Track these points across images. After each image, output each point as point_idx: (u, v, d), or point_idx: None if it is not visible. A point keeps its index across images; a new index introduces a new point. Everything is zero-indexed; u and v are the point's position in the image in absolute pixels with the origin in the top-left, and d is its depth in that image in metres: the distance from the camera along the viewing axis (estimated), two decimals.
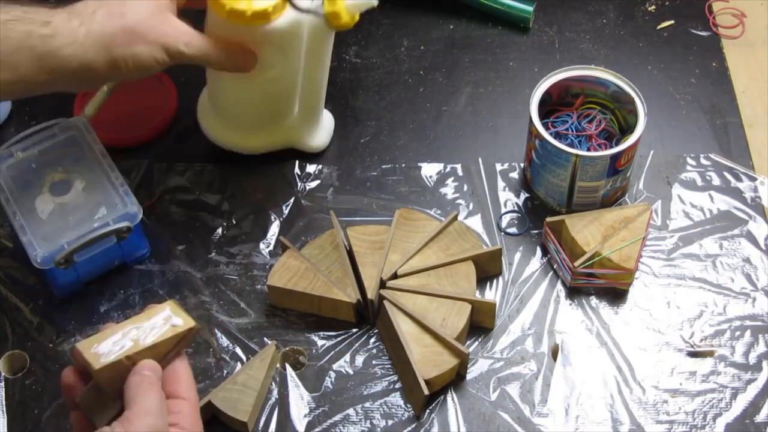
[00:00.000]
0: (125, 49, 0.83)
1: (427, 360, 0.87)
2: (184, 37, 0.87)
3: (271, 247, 0.99)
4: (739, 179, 1.01)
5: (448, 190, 1.03)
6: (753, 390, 0.88)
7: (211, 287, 0.96)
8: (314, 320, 0.94)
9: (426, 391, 0.85)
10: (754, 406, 0.87)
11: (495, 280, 0.96)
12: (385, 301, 0.90)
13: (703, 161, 1.03)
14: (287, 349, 0.92)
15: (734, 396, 0.88)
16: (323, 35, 0.95)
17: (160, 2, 0.86)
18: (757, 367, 0.89)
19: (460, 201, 1.01)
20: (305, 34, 0.94)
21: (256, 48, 0.93)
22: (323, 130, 1.06)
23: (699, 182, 1.02)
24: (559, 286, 0.95)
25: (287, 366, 0.91)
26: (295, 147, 1.05)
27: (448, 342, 0.87)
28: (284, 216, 1.01)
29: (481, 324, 0.92)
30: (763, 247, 0.96)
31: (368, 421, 0.87)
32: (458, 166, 1.04)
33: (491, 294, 0.95)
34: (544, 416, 0.87)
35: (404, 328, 0.88)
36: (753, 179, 1.01)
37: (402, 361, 0.88)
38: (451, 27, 1.18)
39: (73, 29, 0.82)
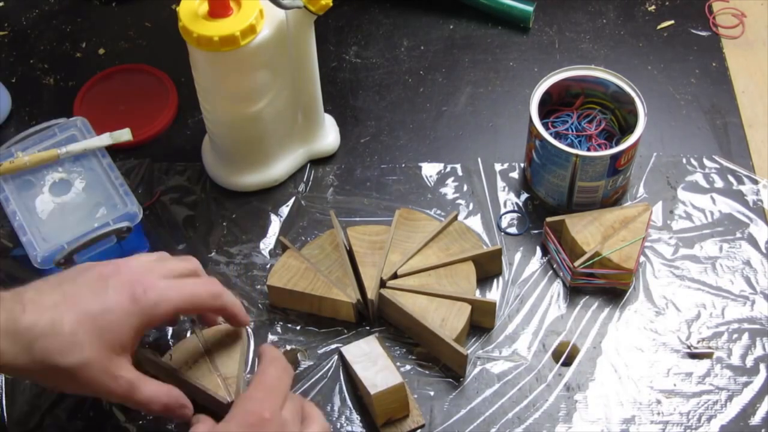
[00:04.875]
0: (52, 382, 0.76)
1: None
2: (122, 389, 0.76)
3: (271, 247, 0.99)
4: (741, 182, 1.01)
5: (448, 190, 1.03)
6: (749, 393, 0.88)
7: None
8: (314, 320, 0.94)
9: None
10: (750, 409, 0.87)
11: (495, 280, 0.96)
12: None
13: (706, 163, 1.03)
14: (288, 349, 0.92)
15: (730, 398, 0.88)
16: (306, 27, 0.93)
17: (114, 344, 0.75)
18: (754, 370, 0.89)
19: (460, 201, 1.01)
20: (291, 34, 0.93)
21: (247, 76, 0.92)
22: (330, 128, 1.06)
23: (701, 184, 1.02)
24: (559, 286, 0.95)
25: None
26: (311, 157, 1.05)
27: (447, 343, 0.87)
28: (284, 216, 1.01)
29: (481, 324, 0.92)
30: (764, 251, 0.96)
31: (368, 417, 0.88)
32: (458, 166, 1.04)
33: (491, 294, 0.95)
34: (543, 416, 0.87)
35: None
36: (755, 182, 1.01)
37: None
38: (451, 27, 1.18)
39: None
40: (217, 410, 0.85)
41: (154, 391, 0.78)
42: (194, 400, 0.86)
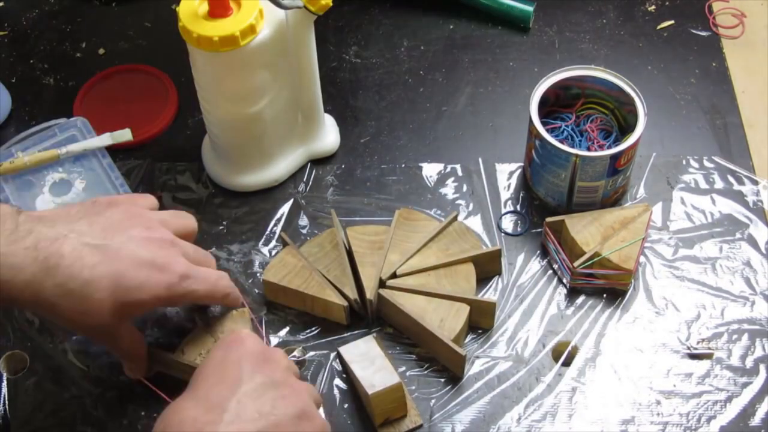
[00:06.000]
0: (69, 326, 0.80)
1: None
2: (123, 351, 0.83)
3: (271, 246, 0.99)
4: (741, 182, 1.01)
5: (448, 190, 1.03)
6: (749, 393, 0.88)
7: None
8: (313, 319, 0.94)
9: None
10: (749, 410, 0.87)
11: (495, 281, 0.96)
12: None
13: (706, 163, 1.03)
14: (288, 348, 0.92)
15: (729, 399, 0.87)
16: (306, 27, 0.93)
17: (125, 311, 0.78)
18: (754, 371, 0.89)
19: (460, 201, 1.02)
20: (291, 34, 0.93)
21: (246, 76, 0.92)
22: (330, 128, 1.06)
23: (701, 184, 1.01)
24: (559, 286, 0.95)
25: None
26: (311, 157, 1.05)
27: (445, 344, 0.87)
28: (284, 216, 1.01)
29: (479, 324, 0.92)
30: (764, 251, 0.96)
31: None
32: (458, 166, 1.04)
33: (490, 294, 0.95)
34: (542, 416, 0.87)
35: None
36: (755, 183, 1.01)
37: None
38: (451, 27, 1.18)
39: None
40: None
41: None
42: None
